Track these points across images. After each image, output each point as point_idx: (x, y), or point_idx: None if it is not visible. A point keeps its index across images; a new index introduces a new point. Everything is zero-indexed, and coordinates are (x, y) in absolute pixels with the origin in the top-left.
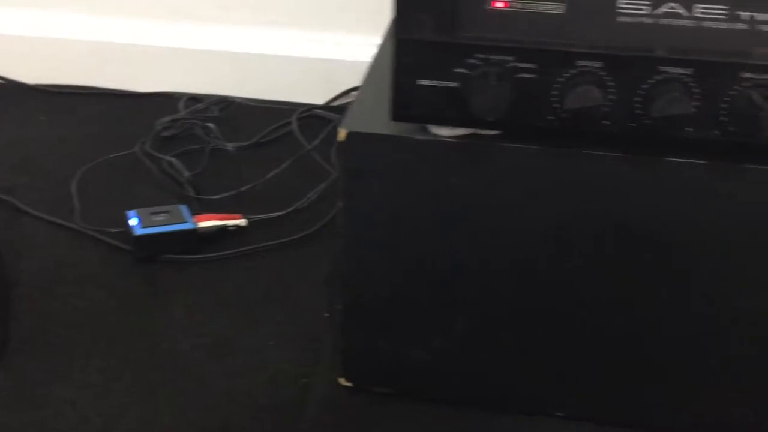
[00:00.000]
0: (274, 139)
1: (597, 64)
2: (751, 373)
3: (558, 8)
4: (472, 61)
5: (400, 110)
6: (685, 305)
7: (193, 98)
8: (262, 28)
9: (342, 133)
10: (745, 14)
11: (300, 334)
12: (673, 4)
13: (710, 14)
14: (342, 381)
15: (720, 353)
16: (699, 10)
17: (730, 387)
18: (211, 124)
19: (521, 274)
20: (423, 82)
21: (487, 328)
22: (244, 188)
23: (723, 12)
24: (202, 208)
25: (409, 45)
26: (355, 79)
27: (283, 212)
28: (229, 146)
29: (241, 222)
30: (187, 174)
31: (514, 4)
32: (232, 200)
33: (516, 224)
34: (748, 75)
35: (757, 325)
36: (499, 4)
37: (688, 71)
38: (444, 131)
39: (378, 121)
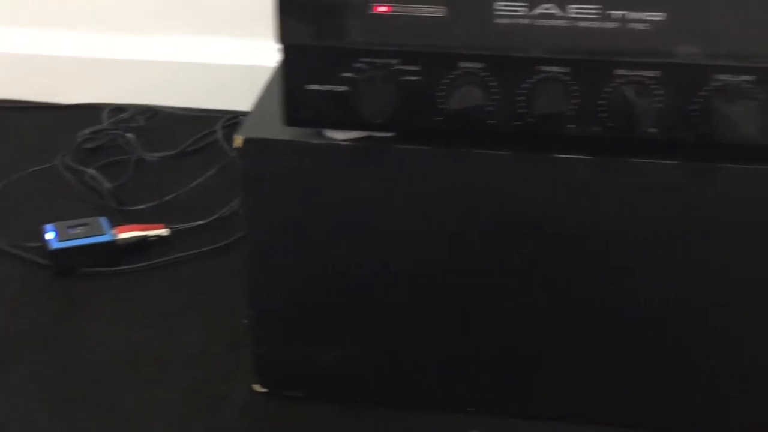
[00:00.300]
0: (200, 148)
1: (478, 65)
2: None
3: (439, 11)
4: (358, 65)
5: (292, 115)
6: (578, 297)
7: (118, 109)
8: (186, 36)
9: (238, 140)
10: (616, 13)
11: (220, 342)
12: (548, 5)
13: (583, 14)
14: (257, 387)
15: (612, 341)
16: (573, 10)
17: (618, 372)
18: (130, 135)
19: (423, 274)
20: (312, 86)
21: (394, 329)
22: (167, 198)
23: (595, 11)
24: (125, 219)
25: (296, 50)
26: None
27: (206, 221)
28: (150, 156)
29: (163, 232)
30: (108, 186)
31: (397, 8)
32: (156, 210)
33: (415, 225)
34: (621, 72)
35: (644, 311)
36: (382, 9)
37: (566, 70)
38: (339, 135)
39: (276, 126)
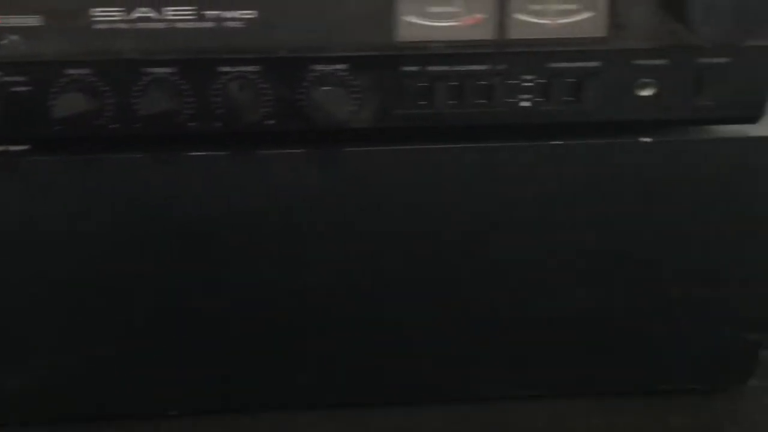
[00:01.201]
0: None
1: (85, 71)
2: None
3: (35, 21)
4: None
5: None
6: (245, 287)
7: None
8: None
9: None
10: (211, 13)
11: None
12: (144, 9)
13: (180, 16)
14: None
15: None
16: (169, 13)
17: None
18: None
19: (85, 282)
20: None
21: (68, 342)
22: None
23: (191, 13)
24: None
25: None
26: None
27: None
28: None
29: None
30: None
31: None
32: None
33: (62, 235)
34: (225, 69)
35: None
36: None
37: (171, 70)
38: None
39: None
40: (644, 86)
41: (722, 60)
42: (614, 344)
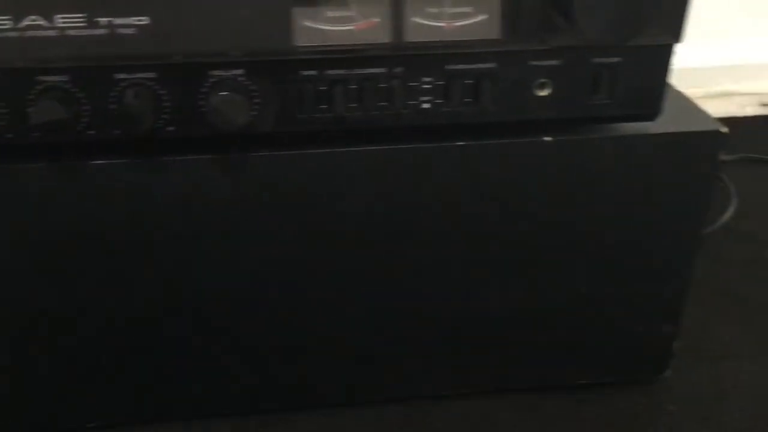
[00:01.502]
0: None
1: None
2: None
3: None
4: None
5: None
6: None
7: None
8: None
9: None
10: (103, 20)
11: None
12: (34, 17)
13: (71, 23)
14: None
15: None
16: (60, 20)
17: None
18: None
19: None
20: None
21: None
22: None
23: (82, 20)
24: None
25: None
26: None
27: None
28: None
29: None
30: None
31: None
32: None
33: None
34: (122, 76)
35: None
36: None
37: (65, 78)
38: None
39: None
40: (542, 86)
41: (614, 59)
42: (530, 341)
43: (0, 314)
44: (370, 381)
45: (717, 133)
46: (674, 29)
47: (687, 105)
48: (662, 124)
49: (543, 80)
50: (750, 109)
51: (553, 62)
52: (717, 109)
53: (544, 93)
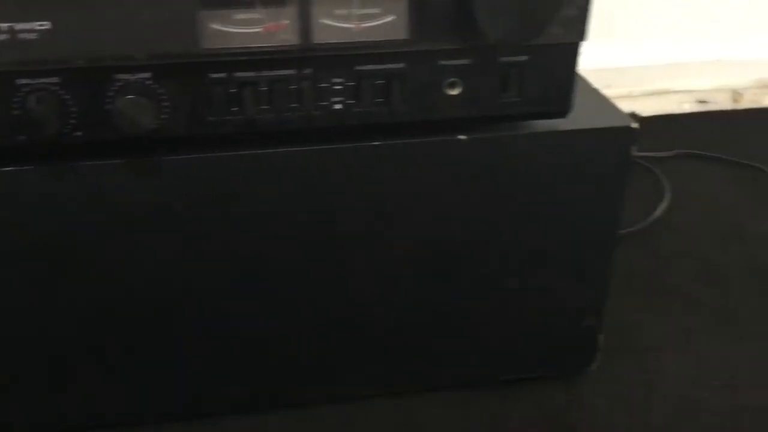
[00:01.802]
0: None
1: None
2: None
3: None
4: None
5: None
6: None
7: None
8: None
9: None
10: (3, 25)
11: None
12: None
13: None
14: None
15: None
16: None
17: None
18: None
19: None
20: None
21: None
22: None
23: None
24: None
25: None
26: None
27: None
28: None
29: None
30: None
31: None
32: None
33: None
34: (24, 81)
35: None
36: None
37: None
38: None
39: None
40: (452, 85)
41: (521, 58)
42: (456, 339)
43: None
44: (298, 383)
45: (628, 129)
46: (578, 28)
47: (600, 102)
48: (574, 121)
49: (453, 79)
50: (687, 106)
51: (462, 62)
52: (655, 106)
53: (454, 92)
